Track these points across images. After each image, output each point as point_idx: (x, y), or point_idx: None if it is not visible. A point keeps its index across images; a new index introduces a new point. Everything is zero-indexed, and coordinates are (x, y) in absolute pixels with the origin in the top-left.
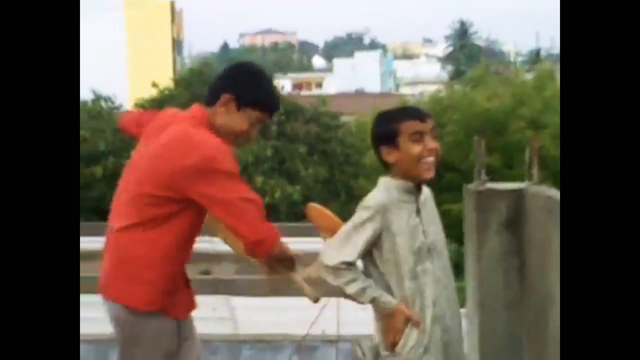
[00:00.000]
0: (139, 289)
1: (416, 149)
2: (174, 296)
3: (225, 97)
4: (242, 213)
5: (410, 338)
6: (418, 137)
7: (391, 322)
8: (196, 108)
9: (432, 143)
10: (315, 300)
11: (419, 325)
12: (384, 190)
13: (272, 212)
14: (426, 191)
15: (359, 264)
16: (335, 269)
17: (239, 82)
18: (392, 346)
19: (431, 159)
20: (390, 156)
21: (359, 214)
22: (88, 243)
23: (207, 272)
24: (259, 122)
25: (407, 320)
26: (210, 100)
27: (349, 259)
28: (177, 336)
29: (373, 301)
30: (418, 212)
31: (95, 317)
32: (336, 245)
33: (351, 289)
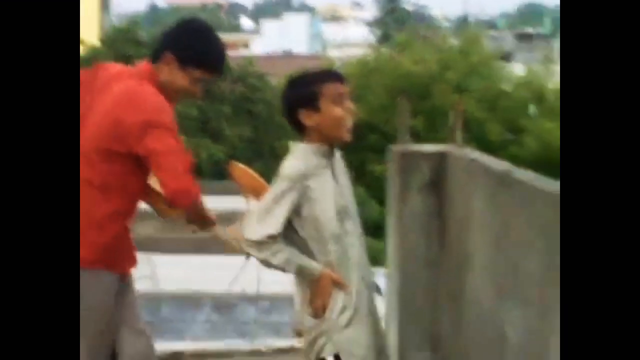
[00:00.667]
0: (84, 247)
1: (339, 111)
2: (118, 253)
3: (167, 55)
4: (167, 163)
5: (339, 301)
6: (340, 99)
7: (319, 288)
8: (144, 64)
9: (351, 105)
10: (242, 253)
11: (346, 288)
12: (302, 157)
13: (196, 171)
14: (337, 153)
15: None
16: (259, 243)
17: (182, 40)
18: (322, 311)
19: (350, 121)
20: (309, 119)
21: (278, 185)
22: None
23: None
24: (202, 81)
25: (335, 283)
26: (155, 57)
27: (272, 231)
28: (116, 292)
29: (299, 269)
30: (333, 174)
31: None
32: (258, 219)
33: (276, 260)
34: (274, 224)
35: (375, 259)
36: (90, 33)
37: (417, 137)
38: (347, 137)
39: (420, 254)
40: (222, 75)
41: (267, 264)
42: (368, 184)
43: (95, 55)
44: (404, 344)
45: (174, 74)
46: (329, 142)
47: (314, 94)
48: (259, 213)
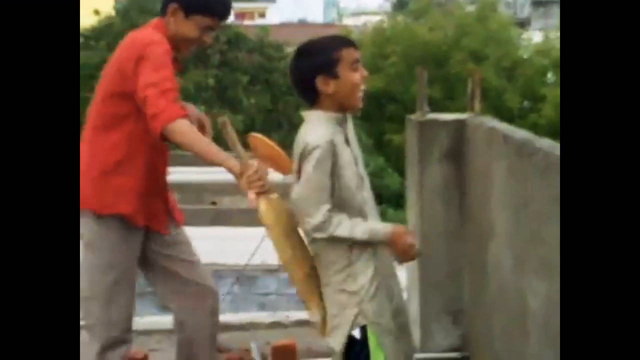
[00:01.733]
0: (102, 192)
1: (356, 77)
2: (137, 202)
3: (171, 6)
4: (148, 95)
5: (369, 270)
6: (356, 65)
7: (398, 246)
8: (157, 19)
9: (364, 71)
10: (255, 169)
11: (414, 234)
12: (323, 124)
13: (214, 142)
14: (349, 121)
15: None
16: (322, 222)
17: None
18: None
19: (363, 87)
20: (327, 87)
21: (313, 157)
22: None
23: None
24: (209, 28)
25: (407, 234)
26: (162, 10)
27: (327, 204)
28: (135, 246)
29: (370, 233)
30: (347, 143)
31: None
32: (310, 201)
33: (343, 231)
34: (325, 197)
35: None
36: (105, 3)
37: (435, 106)
38: (360, 103)
39: (441, 224)
40: (227, 19)
41: (333, 239)
42: (387, 154)
43: (110, 25)
44: (426, 315)
45: (180, 24)
46: (342, 110)
47: (332, 60)
48: (309, 193)
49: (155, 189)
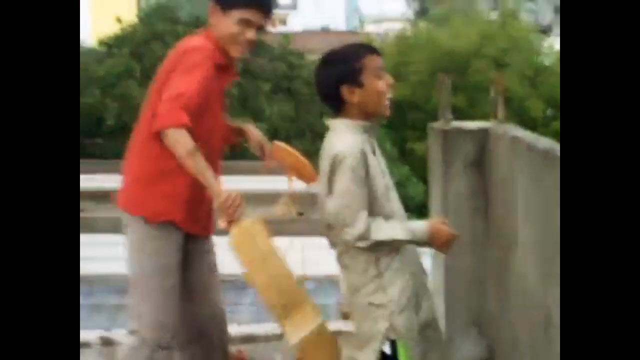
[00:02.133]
0: (152, 200)
1: (381, 85)
2: (185, 208)
3: (210, 6)
4: (163, 99)
5: (399, 282)
6: (380, 73)
7: (439, 242)
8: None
9: (389, 78)
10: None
11: (457, 236)
12: (351, 133)
13: (237, 150)
14: (374, 129)
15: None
16: (364, 231)
17: None
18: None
19: (389, 95)
20: (353, 96)
21: (345, 166)
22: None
23: None
24: (249, 23)
25: (445, 226)
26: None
27: (365, 211)
28: (180, 251)
29: (410, 234)
30: (373, 151)
31: None
32: (348, 210)
33: (383, 235)
34: (362, 204)
35: None
36: (127, 11)
37: (458, 114)
38: (387, 111)
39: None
40: (264, 9)
41: (374, 245)
42: (411, 163)
43: (132, 33)
44: (451, 325)
45: (220, 22)
46: (368, 118)
47: (357, 69)
48: (346, 202)
49: (202, 195)
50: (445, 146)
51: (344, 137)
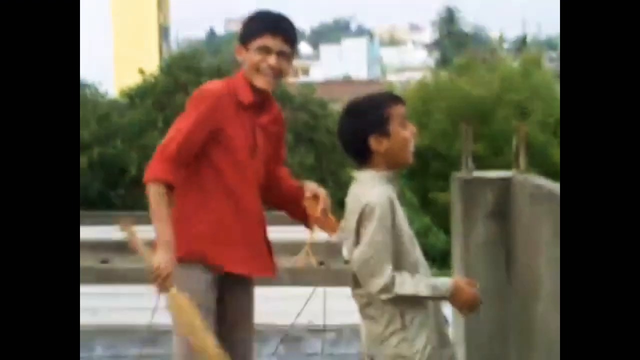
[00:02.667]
0: (184, 239)
1: (407, 133)
2: (216, 248)
3: (236, 48)
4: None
5: (423, 335)
6: (404, 121)
7: (460, 301)
8: None
9: (413, 127)
10: (155, 268)
11: (475, 285)
12: (378, 184)
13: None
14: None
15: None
16: (389, 284)
17: (240, 29)
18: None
19: (414, 143)
20: (380, 145)
21: (374, 216)
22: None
23: None
24: (268, 50)
25: (470, 286)
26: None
27: (390, 264)
28: (212, 291)
29: (432, 289)
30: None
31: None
32: (374, 261)
33: (406, 290)
34: (388, 256)
35: None
36: (150, 62)
37: (480, 162)
38: (411, 160)
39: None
40: (281, 33)
41: (396, 298)
42: (432, 212)
43: (154, 84)
44: None
45: (245, 58)
46: (394, 167)
47: (384, 118)
48: (371, 254)
49: (237, 236)
50: (467, 196)
51: (372, 188)
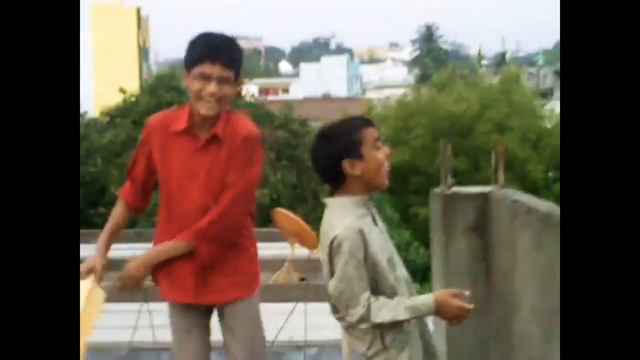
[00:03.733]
0: None
1: (380, 155)
2: (159, 276)
3: (182, 72)
4: None
5: (401, 358)
6: (377, 144)
7: (446, 313)
8: None
9: (386, 148)
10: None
11: (464, 294)
12: (349, 212)
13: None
14: (371, 199)
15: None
16: (365, 314)
17: (185, 54)
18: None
19: (388, 165)
20: (355, 169)
21: (343, 250)
22: None
23: None
24: (207, 77)
25: (454, 297)
26: None
27: (366, 292)
28: (181, 318)
29: (413, 312)
30: (374, 222)
31: None
32: (348, 294)
33: (384, 317)
34: (362, 286)
35: None
36: (130, 82)
37: (461, 177)
38: (386, 181)
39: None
40: (218, 60)
41: (376, 326)
42: (413, 228)
43: (136, 104)
44: None
45: (188, 84)
46: (368, 190)
47: (356, 142)
48: (345, 287)
49: (168, 263)
50: (446, 211)
51: (341, 220)
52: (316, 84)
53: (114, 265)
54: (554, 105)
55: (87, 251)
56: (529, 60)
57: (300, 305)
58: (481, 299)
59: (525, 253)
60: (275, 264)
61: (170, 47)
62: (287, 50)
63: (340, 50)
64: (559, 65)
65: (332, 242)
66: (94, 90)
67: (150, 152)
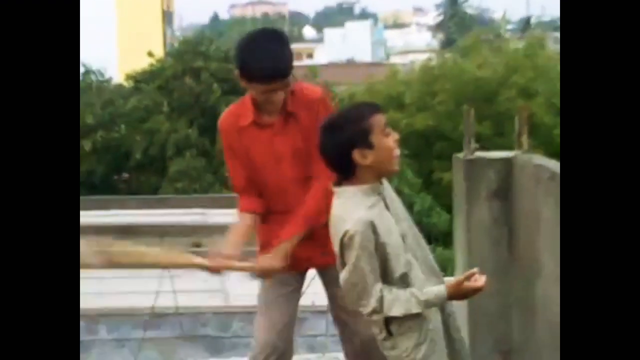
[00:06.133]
0: None
1: (390, 142)
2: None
3: (235, 72)
4: None
5: (413, 338)
6: (386, 130)
7: (461, 298)
8: None
9: (395, 134)
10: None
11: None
12: (359, 203)
13: None
14: (385, 182)
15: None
16: (377, 306)
17: (235, 57)
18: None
19: (398, 150)
20: (365, 158)
21: (354, 244)
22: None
23: (198, 245)
24: (264, 91)
25: (467, 280)
26: None
27: (379, 283)
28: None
29: (427, 304)
30: (387, 206)
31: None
32: (360, 287)
33: (397, 311)
34: (374, 277)
35: (445, 267)
36: (154, 47)
37: (485, 142)
38: (397, 167)
39: (489, 262)
40: (273, 80)
41: (391, 319)
42: (436, 193)
43: (163, 68)
44: (475, 353)
45: (247, 87)
46: (379, 177)
47: (365, 130)
48: (357, 280)
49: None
50: (469, 176)
51: (351, 211)
52: (340, 49)
53: (132, 230)
54: None
55: (111, 217)
56: (554, 25)
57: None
58: (503, 265)
59: (547, 218)
60: None
61: (195, 10)
62: (312, 15)
63: (364, 15)
64: None
65: (343, 237)
66: (118, 55)
67: (236, 153)
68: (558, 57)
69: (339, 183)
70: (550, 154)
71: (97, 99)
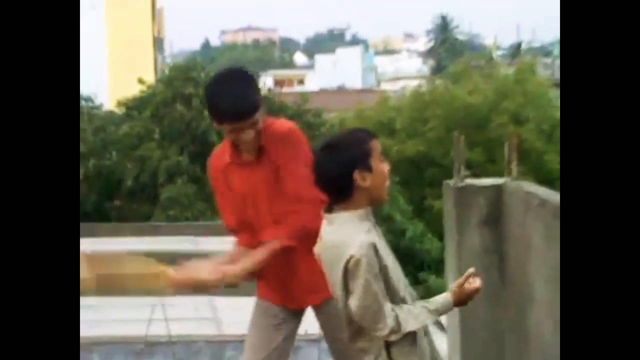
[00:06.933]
0: None
1: (386, 167)
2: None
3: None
4: None
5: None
6: (382, 157)
7: (464, 302)
8: None
9: (387, 164)
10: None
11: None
12: (358, 227)
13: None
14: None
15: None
16: (395, 325)
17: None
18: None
19: (388, 180)
20: (364, 181)
21: (362, 269)
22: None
23: None
24: (231, 131)
25: (466, 283)
26: None
27: (389, 304)
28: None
29: (436, 314)
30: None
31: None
32: (372, 310)
33: (413, 326)
34: (383, 298)
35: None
36: (145, 74)
37: (476, 169)
38: (387, 198)
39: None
40: (237, 121)
41: (391, 342)
42: (428, 220)
43: (152, 95)
44: None
45: (220, 128)
46: (370, 204)
47: (367, 152)
48: (369, 303)
49: (272, 273)
50: (459, 203)
51: (352, 236)
52: (331, 76)
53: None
54: None
55: (101, 245)
56: (545, 51)
57: None
58: (495, 292)
59: (537, 245)
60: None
61: (186, 36)
62: (302, 41)
63: (355, 41)
64: None
65: (347, 262)
66: (108, 82)
67: (223, 192)
68: (548, 83)
69: (329, 209)
70: (541, 180)
71: (89, 126)
